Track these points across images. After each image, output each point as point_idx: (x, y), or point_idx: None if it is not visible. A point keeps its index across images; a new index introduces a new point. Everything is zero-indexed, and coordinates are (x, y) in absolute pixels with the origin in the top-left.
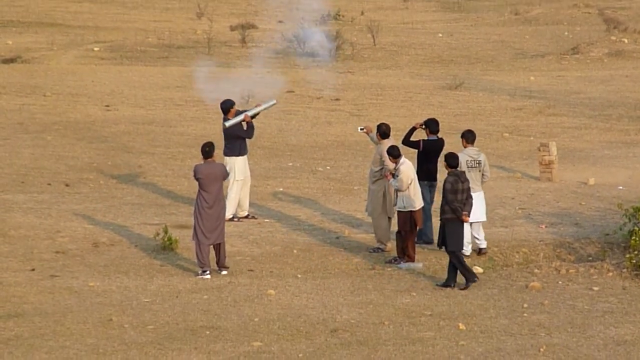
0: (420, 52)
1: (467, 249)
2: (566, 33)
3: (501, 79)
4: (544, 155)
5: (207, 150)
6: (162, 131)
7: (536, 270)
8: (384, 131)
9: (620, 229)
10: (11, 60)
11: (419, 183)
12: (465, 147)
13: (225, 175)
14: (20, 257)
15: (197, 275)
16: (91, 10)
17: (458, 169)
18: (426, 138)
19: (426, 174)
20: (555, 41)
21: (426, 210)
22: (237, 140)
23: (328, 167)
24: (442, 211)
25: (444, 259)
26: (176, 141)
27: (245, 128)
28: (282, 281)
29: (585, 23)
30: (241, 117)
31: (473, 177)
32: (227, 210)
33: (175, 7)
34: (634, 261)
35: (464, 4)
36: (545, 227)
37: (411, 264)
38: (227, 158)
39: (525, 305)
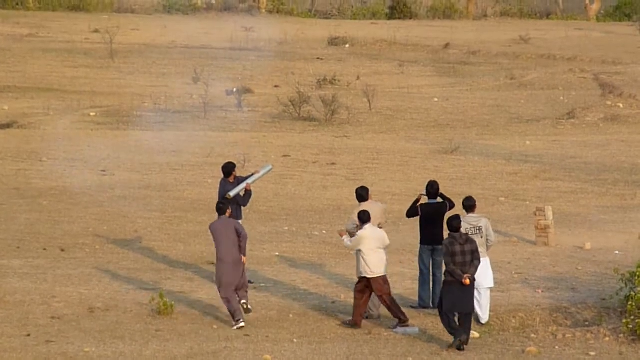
0: (416, 117)
1: (484, 317)
2: (562, 98)
3: (497, 143)
4: (540, 220)
5: (221, 207)
6: (158, 196)
7: (533, 335)
8: (359, 194)
9: (616, 294)
10: (7, 126)
11: (422, 247)
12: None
13: (239, 230)
14: (15, 322)
15: (233, 326)
16: (87, 76)
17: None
18: (425, 202)
19: (428, 239)
20: (551, 106)
21: (424, 274)
22: (233, 205)
23: (324, 232)
24: (443, 274)
25: (441, 324)
26: (172, 205)
27: (242, 195)
28: (278, 346)
29: (580, 88)
30: (243, 185)
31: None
32: None
33: (171, 72)
34: (631, 326)
35: (460, 69)
36: (542, 291)
37: (407, 329)
38: None
39: None
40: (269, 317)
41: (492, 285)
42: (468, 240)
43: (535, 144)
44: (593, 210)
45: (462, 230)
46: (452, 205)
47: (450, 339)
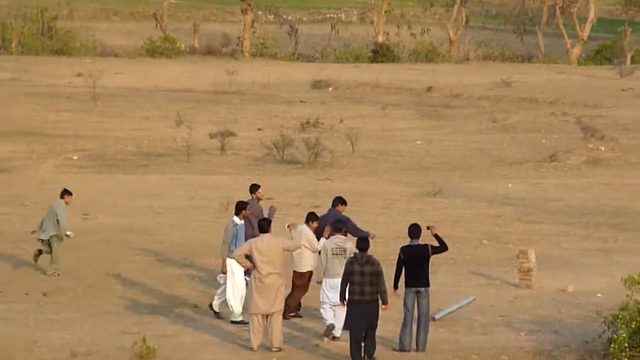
0: (399, 159)
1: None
2: (544, 141)
3: (479, 186)
4: (523, 263)
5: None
6: (140, 239)
7: None
8: (260, 225)
9: (599, 336)
10: None
11: (406, 290)
12: (332, 234)
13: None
14: None
15: None
16: (70, 119)
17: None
18: (407, 244)
19: (410, 280)
20: (533, 148)
21: (407, 318)
22: None
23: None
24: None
25: None
26: (155, 249)
27: None
28: None
29: (562, 131)
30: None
31: (338, 264)
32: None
33: (154, 116)
34: None
35: (442, 112)
36: (525, 334)
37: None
38: None
39: None
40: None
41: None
42: (369, 261)
43: (517, 187)
44: (575, 253)
45: (328, 249)
46: (445, 249)
47: None
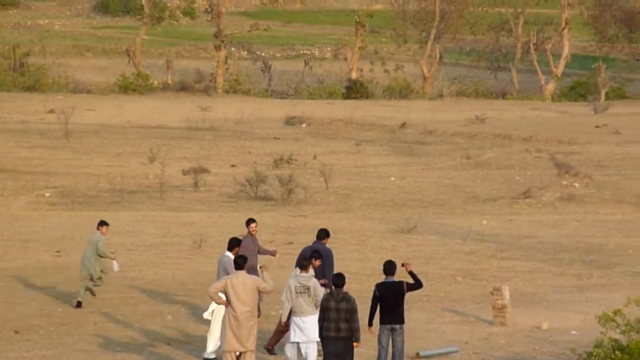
0: (373, 196)
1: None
2: (518, 177)
3: (453, 223)
4: (497, 299)
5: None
6: (113, 276)
7: None
8: (236, 261)
9: None
10: None
11: (380, 327)
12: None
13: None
14: None
15: None
16: (42, 156)
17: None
18: (382, 281)
19: (385, 317)
20: (507, 185)
21: (381, 355)
22: None
23: (281, 311)
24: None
25: None
26: (128, 286)
27: None
28: None
29: (536, 167)
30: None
31: (302, 302)
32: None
33: (127, 152)
34: None
35: (416, 148)
36: None
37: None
38: None
39: None
40: None
41: (318, 339)
42: (344, 298)
43: (491, 224)
44: (550, 289)
45: (291, 287)
46: (420, 286)
47: None
